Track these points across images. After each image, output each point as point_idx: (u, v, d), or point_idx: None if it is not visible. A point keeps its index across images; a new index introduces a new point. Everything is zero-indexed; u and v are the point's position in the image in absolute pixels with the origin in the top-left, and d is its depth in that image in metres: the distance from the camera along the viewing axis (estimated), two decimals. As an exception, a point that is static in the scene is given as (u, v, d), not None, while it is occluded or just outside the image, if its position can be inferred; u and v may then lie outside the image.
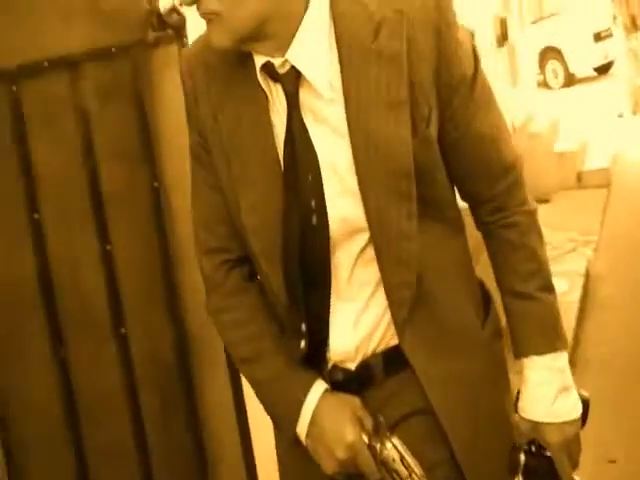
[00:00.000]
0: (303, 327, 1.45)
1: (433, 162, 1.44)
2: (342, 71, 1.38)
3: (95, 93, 2.23)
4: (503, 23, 8.07)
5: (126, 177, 2.31)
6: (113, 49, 2.23)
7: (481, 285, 1.62)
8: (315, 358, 1.48)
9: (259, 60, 1.40)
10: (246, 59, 1.42)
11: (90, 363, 2.34)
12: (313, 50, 1.37)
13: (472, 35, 1.44)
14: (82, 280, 2.32)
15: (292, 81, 1.38)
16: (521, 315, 1.54)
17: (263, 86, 1.42)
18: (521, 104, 8.45)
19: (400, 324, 1.45)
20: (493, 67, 7.44)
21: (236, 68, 1.43)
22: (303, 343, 1.45)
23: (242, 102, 1.44)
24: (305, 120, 1.40)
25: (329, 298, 1.45)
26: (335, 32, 1.38)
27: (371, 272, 1.44)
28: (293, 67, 1.37)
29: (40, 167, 2.20)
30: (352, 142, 1.38)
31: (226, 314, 1.56)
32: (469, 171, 1.51)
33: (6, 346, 2.25)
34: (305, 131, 1.40)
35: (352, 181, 1.39)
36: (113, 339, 2.35)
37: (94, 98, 2.23)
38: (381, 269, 1.43)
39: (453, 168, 1.49)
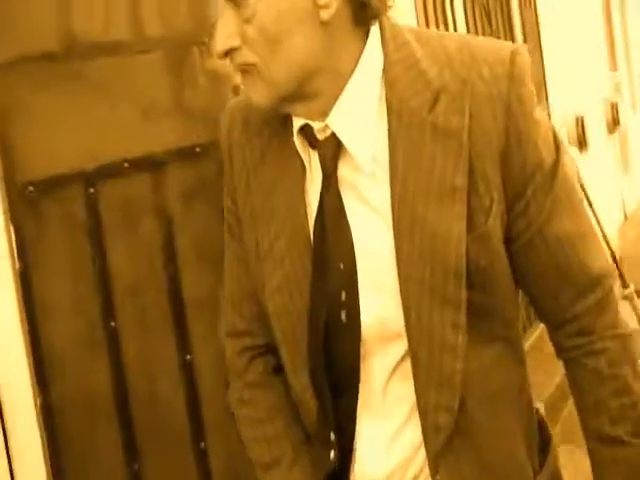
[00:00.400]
0: (332, 436, 1.24)
1: (491, 264, 1.20)
2: (390, 144, 1.19)
3: (178, 194, 2.14)
4: (614, 108, 7.83)
5: (209, 282, 2.17)
6: (197, 149, 2.12)
7: (541, 423, 1.35)
8: (343, 473, 1.26)
9: (297, 122, 1.23)
10: (286, 119, 1.25)
11: (166, 477, 2.22)
12: (358, 116, 1.19)
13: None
14: (160, 391, 2.20)
15: (331, 150, 1.21)
16: (609, 464, 1.27)
17: (300, 152, 1.24)
18: (633, 191, 8.19)
19: (433, 456, 1.20)
20: (604, 154, 7.20)
21: (275, 128, 1.27)
22: (332, 454, 1.25)
23: (277, 168, 1.26)
24: (343, 196, 1.21)
25: (355, 410, 1.24)
26: (386, 98, 1.19)
27: (411, 388, 1.20)
28: (333, 134, 1.20)
29: (117, 272, 2.10)
30: (394, 230, 1.18)
31: (244, 408, 1.36)
32: (544, 282, 1.26)
33: (80, 457, 2.14)
34: (340, 209, 1.21)
35: (391, 275, 1.18)
36: (191, 453, 2.22)
37: (177, 200, 2.14)
38: (416, 385, 1.19)
39: (524, 276, 1.26)
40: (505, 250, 1.22)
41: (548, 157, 1.22)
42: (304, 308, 1.22)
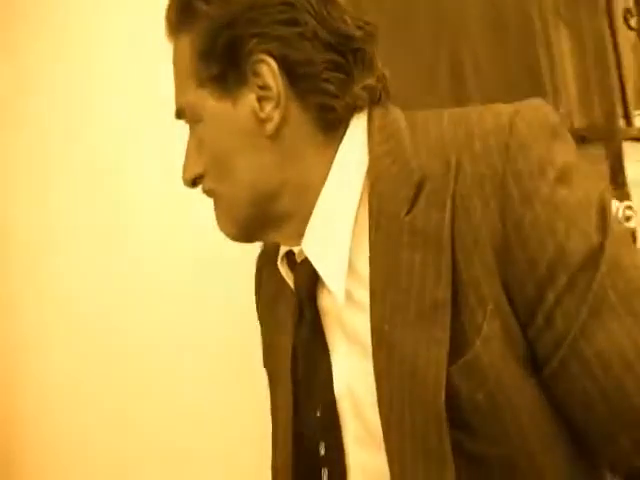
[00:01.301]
0: None
1: (492, 399, 0.90)
2: (370, 260, 0.98)
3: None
4: None
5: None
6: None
7: None
8: None
9: (283, 250, 1.09)
10: None
11: None
12: (332, 237, 1.01)
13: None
14: None
15: (306, 276, 1.04)
16: None
17: (287, 279, 1.10)
18: None
19: None
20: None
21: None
22: None
23: (277, 300, 1.14)
24: (327, 329, 1.03)
25: None
26: (369, 201, 1.00)
27: None
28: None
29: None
30: (374, 365, 0.95)
31: None
32: (593, 420, 0.91)
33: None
34: (314, 346, 1.04)
35: (375, 421, 0.95)
36: None
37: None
38: None
39: (568, 415, 0.93)
40: (537, 380, 0.92)
41: (580, 245, 0.90)
42: (287, 467, 1.06)
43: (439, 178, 0.95)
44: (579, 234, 0.90)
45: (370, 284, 0.96)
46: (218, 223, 1.08)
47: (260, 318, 1.22)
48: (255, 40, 1.00)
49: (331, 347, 1.03)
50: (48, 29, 1.98)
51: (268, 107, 1.01)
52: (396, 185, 0.97)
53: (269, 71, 1.00)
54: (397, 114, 1.04)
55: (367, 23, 1.06)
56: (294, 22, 1.00)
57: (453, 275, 0.91)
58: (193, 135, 1.07)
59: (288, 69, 1.00)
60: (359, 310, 0.98)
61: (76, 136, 1.93)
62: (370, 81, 1.04)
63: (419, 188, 0.96)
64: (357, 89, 1.02)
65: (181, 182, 1.09)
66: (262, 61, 1.00)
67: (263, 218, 1.05)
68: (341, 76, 1.01)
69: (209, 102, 1.03)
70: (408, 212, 0.95)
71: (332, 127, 1.03)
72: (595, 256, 0.90)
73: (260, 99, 1.01)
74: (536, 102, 0.98)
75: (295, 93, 1.01)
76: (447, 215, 0.93)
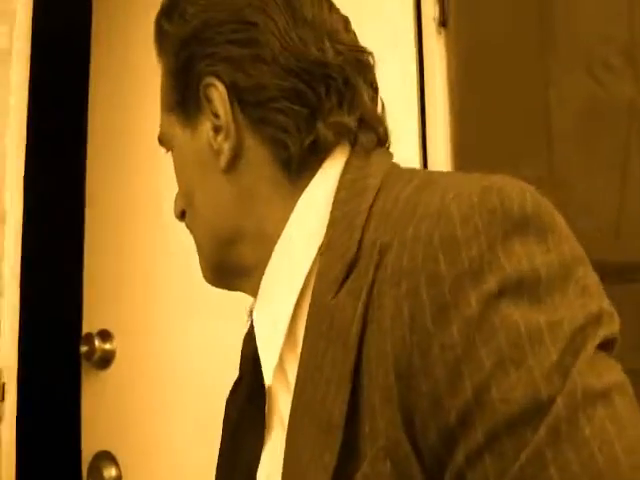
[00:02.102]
0: None
1: None
2: (302, 344, 0.80)
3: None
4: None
5: None
6: None
7: None
8: None
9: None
10: None
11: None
12: (276, 301, 0.85)
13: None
14: None
15: (253, 341, 0.87)
16: None
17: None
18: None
19: None
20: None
21: None
22: None
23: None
24: (270, 407, 0.88)
25: None
26: (316, 273, 0.82)
27: None
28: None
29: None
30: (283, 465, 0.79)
31: None
32: None
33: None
34: (248, 422, 0.91)
35: None
36: None
37: None
38: None
39: None
40: None
41: (515, 394, 0.63)
42: None
43: (365, 262, 0.75)
44: (517, 378, 0.63)
45: (297, 372, 0.79)
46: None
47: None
48: (206, 61, 0.89)
49: (267, 429, 0.88)
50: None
51: (220, 137, 0.88)
52: (334, 259, 0.78)
53: (218, 97, 0.88)
54: (377, 167, 0.85)
55: (360, 50, 0.92)
56: (251, 42, 0.87)
57: (352, 393, 0.71)
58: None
59: (239, 95, 0.87)
60: (290, 394, 0.80)
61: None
62: (343, 119, 0.87)
63: (350, 269, 0.76)
64: (321, 127, 0.86)
65: None
66: (211, 85, 0.88)
67: (229, 266, 0.93)
68: (300, 108, 0.85)
69: (176, 130, 0.94)
70: (334, 296, 0.76)
71: (290, 168, 0.87)
72: (535, 414, 0.62)
73: (215, 128, 0.89)
74: (513, 181, 0.73)
75: (250, 123, 0.87)
76: (359, 312, 0.73)
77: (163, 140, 0.97)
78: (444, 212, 0.69)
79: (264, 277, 0.86)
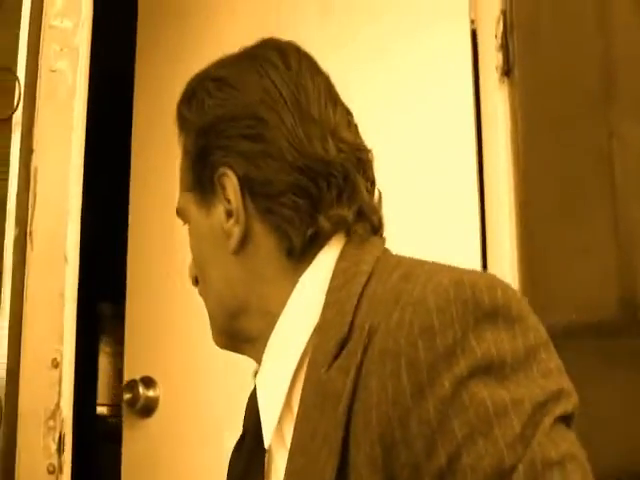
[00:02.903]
0: None
1: None
2: (297, 414, 0.89)
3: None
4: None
5: None
6: None
7: None
8: None
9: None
10: None
11: None
12: (277, 370, 0.94)
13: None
14: None
15: (256, 404, 0.96)
16: None
17: None
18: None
19: None
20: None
21: None
22: None
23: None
24: (269, 469, 0.97)
25: None
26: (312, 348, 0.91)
27: None
28: None
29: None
30: None
31: None
32: None
33: None
34: None
35: None
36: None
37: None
38: None
39: None
40: None
41: (482, 462, 0.73)
42: None
43: (355, 342, 0.84)
44: (485, 447, 0.73)
45: (292, 438, 0.87)
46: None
47: None
48: (220, 152, 0.98)
49: None
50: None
51: (231, 222, 0.97)
52: (328, 338, 0.87)
53: (230, 185, 0.97)
54: (369, 255, 0.94)
55: (360, 148, 1.00)
56: (260, 138, 0.96)
57: (341, 462, 0.79)
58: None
59: (249, 186, 0.96)
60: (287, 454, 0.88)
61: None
62: (342, 211, 0.96)
63: (341, 347, 0.85)
64: (322, 219, 0.95)
65: None
66: (225, 174, 0.97)
67: (236, 333, 1.01)
68: (303, 202, 0.94)
69: (192, 207, 1.03)
70: (327, 370, 0.85)
71: (293, 255, 0.96)
72: (499, 479, 0.72)
73: (227, 213, 0.98)
74: (485, 275, 0.85)
75: (258, 211, 0.96)
76: (348, 387, 0.81)
77: (180, 214, 1.06)
78: (424, 302, 0.79)
79: (267, 348, 0.95)
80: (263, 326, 0.96)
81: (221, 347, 1.05)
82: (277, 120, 0.96)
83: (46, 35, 1.86)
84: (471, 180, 2.00)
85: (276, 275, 0.96)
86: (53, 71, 1.86)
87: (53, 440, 1.70)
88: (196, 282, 1.06)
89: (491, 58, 1.96)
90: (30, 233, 1.77)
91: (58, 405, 1.71)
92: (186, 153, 1.04)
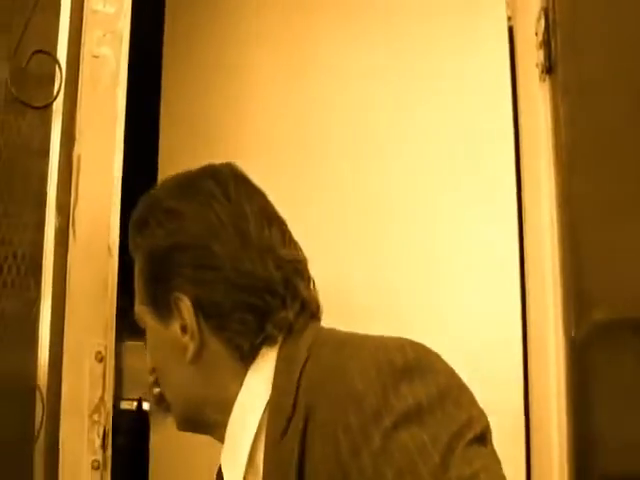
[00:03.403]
0: None
1: None
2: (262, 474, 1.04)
3: None
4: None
5: None
6: None
7: None
8: None
9: None
10: None
11: None
12: (237, 447, 1.08)
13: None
14: None
15: None
16: None
17: None
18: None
19: None
20: None
21: None
22: None
23: None
24: None
25: None
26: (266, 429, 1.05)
27: None
28: None
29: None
30: None
31: None
32: None
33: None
34: None
35: None
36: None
37: None
38: None
39: None
40: None
41: None
42: None
43: (297, 418, 0.98)
44: None
45: None
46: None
47: None
48: (173, 279, 1.11)
49: None
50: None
51: (186, 337, 1.10)
52: (279, 415, 1.01)
53: (185, 308, 1.10)
54: (304, 341, 1.07)
55: (295, 260, 1.13)
56: (208, 266, 1.09)
57: None
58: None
59: (201, 308, 1.09)
60: None
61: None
62: (285, 314, 1.09)
63: (288, 423, 0.99)
64: (269, 327, 1.08)
65: None
66: (179, 298, 1.10)
67: (197, 423, 1.15)
68: (252, 317, 1.08)
69: (148, 318, 1.16)
70: (281, 440, 0.99)
71: (243, 358, 1.09)
72: None
73: (182, 328, 1.10)
74: (396, 339, 0.99)
75: (211, 328, 1.09)
76: (296, 452, 0.96)
77: (138, 320, 1.19)
78: (348, 371, 0.94)
79: (227, 430, 1.08)
80: (220, 416, 1.09)
81: (183, 430, 1.18)
82: (221, 248, 1.09)
83: (88, 20, 1.81)
84: (509, 179, 2.00)
85: (229, 373, 1.10)
86: (96, 57, 1.81)
87: (98, 435, 1.66)
88: (155, 382, 1.19)
89: (530, 55, 1.96)
90: (73, 223, 1.73)
91: (102, 399, 1.68)
92: (139, 272, 1.17)
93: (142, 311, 1.17)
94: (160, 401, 1.19)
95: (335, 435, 0.91)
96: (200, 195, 1.14)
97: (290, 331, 1.09)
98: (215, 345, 1.10)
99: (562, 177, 1.87)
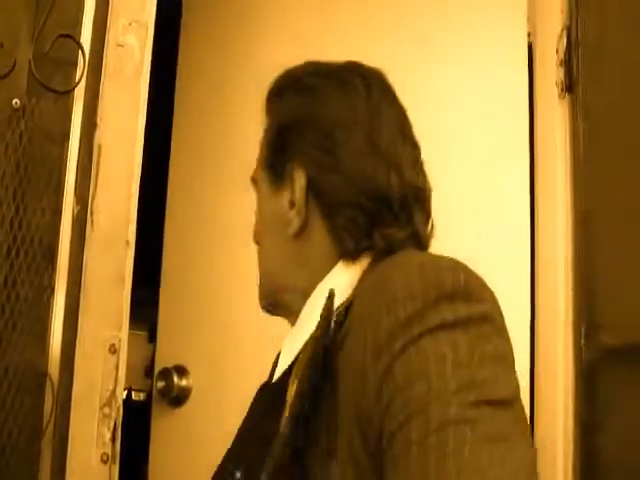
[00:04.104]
0: None
1: None
2: None
3: None
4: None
5: None
6: None
7: None
8: None
9: None
10: None
11: None
12: (299, 334, 1.04)
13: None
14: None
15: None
16: None
17: None
18: None
19: None
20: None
21: None
22: None
23: None
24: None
25: None
26: None
27: None
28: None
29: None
30: None
31: None
32: None
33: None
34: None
35: None
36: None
37: None
38: None
39: None
40: None
41: (415, 391, 0.82)
42: None
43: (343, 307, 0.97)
44: (420, 387, 0.82)
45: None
46: None
47: None
48: (296, 152, 1.09)
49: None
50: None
51: (293, 212, 1.09)
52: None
53: (298, 182, 1.08)
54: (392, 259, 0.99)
55: (420, 187, 1.09)
56: (331, 154, 1.06)
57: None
58: None
59: (315, 190, 1.08)
60: None
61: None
62: (396, 233, 1.05)
63: (338, 325, 0.94)
64: (377, 236, 1.04)
65: None
66: (295, 171, 1.08)
67: (277, 303, 1.14)
68: (362, 218, 1.05)
69: (264, 184, 1.15)
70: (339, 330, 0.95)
71: (343, 254, 1.06)
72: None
73: (291, 203, 1.09)
74: (450, 259, 0.92)
75: (319, 212, 1.08)
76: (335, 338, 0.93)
77: (254, 184, 1.20)
78: (390, 280, 0.89)
79: (301, 313, 1.06)
80: (299, 302, 1.07)
81: (263, 309, 1.17)
82: (349, 143, 1.06)
83: (114, 7, 1.79)
84: (524, 197, 2.00)
85: (322, 267, 1.06)
86: (120, 45, 1.78)
87: (108, 428, 1.64)
88: (257, 242, 1.18)
89: (550, 73, 1.96)
90: (92, 212, 1.70)
91: (114, 392, 1.65)
92: (267, 133, 1.16)
93: (260, 176, 1.16)
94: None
95: (365, 331, 0.87)
96: (342, 83, 1.12)
97: (392, 252, 1.03)
98: (318, 230, 1.08)
99: (578, 196, 1.88)
